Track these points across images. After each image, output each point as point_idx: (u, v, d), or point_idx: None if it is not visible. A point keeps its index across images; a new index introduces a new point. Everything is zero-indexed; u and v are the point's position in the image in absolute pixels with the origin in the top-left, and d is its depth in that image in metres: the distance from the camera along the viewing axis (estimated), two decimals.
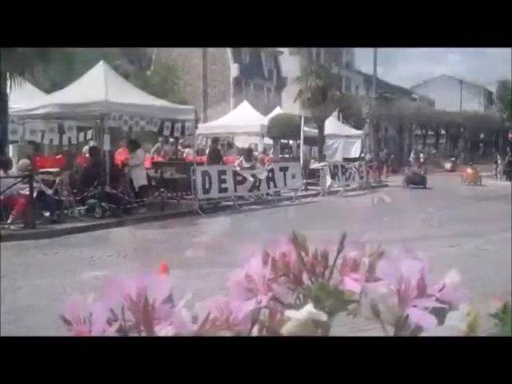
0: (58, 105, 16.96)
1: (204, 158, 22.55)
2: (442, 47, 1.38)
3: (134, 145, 18.68)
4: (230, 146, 28.75)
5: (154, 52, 42.74)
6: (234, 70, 49.36)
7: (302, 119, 26.99)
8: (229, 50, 48.57)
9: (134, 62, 40.69)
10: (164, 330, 0.80)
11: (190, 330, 0.80)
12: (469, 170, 34.91)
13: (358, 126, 43.89)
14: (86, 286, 9.15)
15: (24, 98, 17.46)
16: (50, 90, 21.81)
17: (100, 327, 0.70)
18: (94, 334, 0.70)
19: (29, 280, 9.58)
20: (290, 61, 47.10)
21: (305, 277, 0.90)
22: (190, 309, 0.85)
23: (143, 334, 0.75)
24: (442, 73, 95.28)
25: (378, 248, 0.94)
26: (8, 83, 15.89)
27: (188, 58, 49.20)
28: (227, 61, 49.29)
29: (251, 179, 20.63)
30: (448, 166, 50.64)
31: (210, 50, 46.74)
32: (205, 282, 9.16)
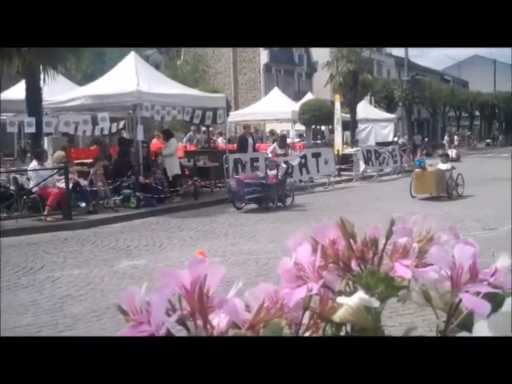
0: (91, 96, 17.14)
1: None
2: (443, 47, 1.38)
3: (167, 134, 18.78)
4: (273, 133, 28.65)
5: None
6: (263, 56, 49.18)
7: (338, 103, 26.80)
8: None
9: (164, 52, 40.79)
10: (217, 319, 0.80)
11: (243, 318, 0.81)
12: (417, 171, 18.73)
13: (390, 110, 43.52)
14: (123, 276, 9.27)
15: (57, 90, 17.67)
16: (82, 82, 22.01)
17: (160, 318, 0.71)
18: (154, 324, 0.72)
19: (67, 270, 9.72)
20: None
21: (354, 264, 0.91)
22: (239, 296, 0.86)
23: (199, 323, 0.76)
24: (475, 53, 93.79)
25: (427, 234, 0.94)
26: (41, 76, 16.10)
27: None
28: (257, 47, 49.16)
29: (284, 166, 20.58)
30: (452, 153, 33.34)
31: None
32: (242, 268, 9.21)
